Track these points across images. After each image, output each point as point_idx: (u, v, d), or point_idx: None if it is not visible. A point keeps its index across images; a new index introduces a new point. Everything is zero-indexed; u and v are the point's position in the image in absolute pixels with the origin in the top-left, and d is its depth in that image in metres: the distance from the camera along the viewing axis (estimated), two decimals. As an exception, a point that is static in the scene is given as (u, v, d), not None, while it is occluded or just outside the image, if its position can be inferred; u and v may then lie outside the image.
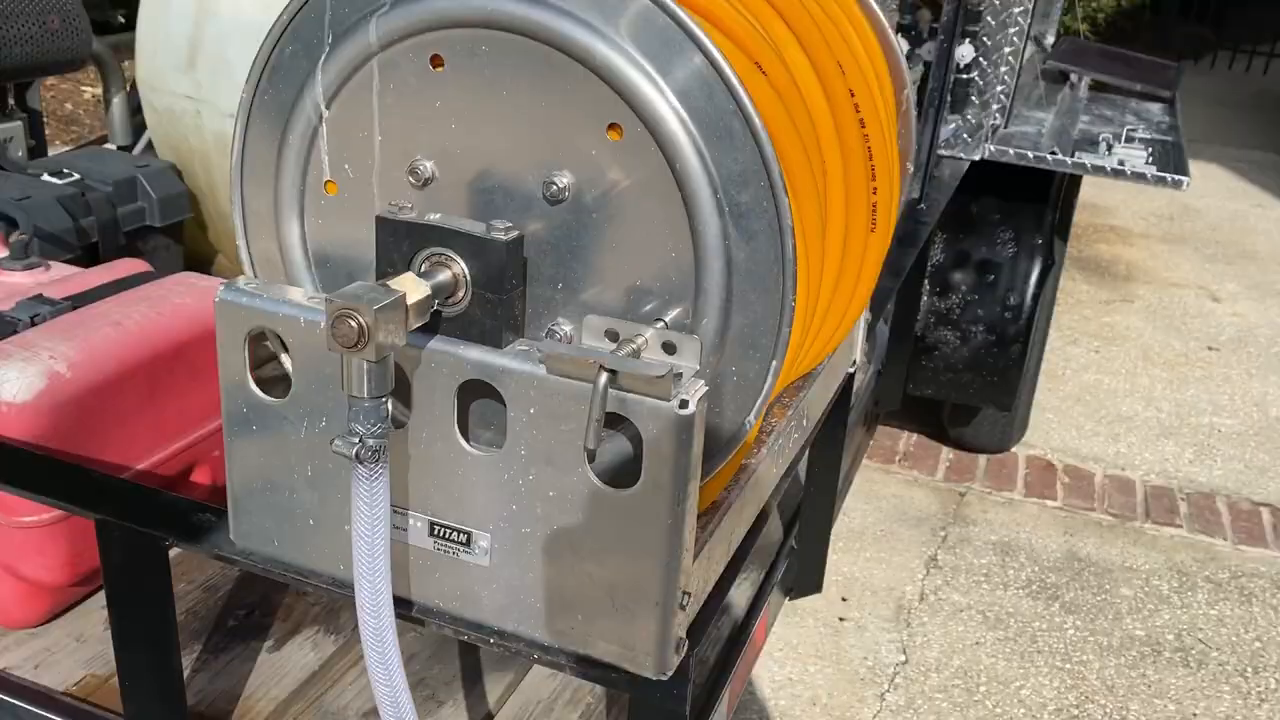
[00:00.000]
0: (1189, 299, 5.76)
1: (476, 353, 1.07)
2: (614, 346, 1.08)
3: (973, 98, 3.27)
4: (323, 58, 1.16)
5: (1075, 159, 3.30)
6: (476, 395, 1.13)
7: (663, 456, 1.02)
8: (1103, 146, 3.44)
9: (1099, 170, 3.25)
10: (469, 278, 1.07)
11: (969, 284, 3.48)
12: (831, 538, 3.64)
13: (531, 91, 1.10)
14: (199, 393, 1.77)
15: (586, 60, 1.06)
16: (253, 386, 1.20)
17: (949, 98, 3.21)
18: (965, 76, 3.23)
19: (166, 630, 1.43)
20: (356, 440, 1.01)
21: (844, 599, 3.37)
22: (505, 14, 1.07)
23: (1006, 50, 3.25)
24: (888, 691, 2.99)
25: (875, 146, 1.36)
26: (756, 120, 1.03)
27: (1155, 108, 4.31)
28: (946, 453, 4.19)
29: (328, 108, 1.18)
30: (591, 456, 1.06)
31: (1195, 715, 2.98)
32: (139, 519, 1.36)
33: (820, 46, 1.29)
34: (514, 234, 1.06)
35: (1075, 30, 9.68)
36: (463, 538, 1.15)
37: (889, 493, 3.94)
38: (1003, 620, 3.31)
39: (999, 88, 3.28)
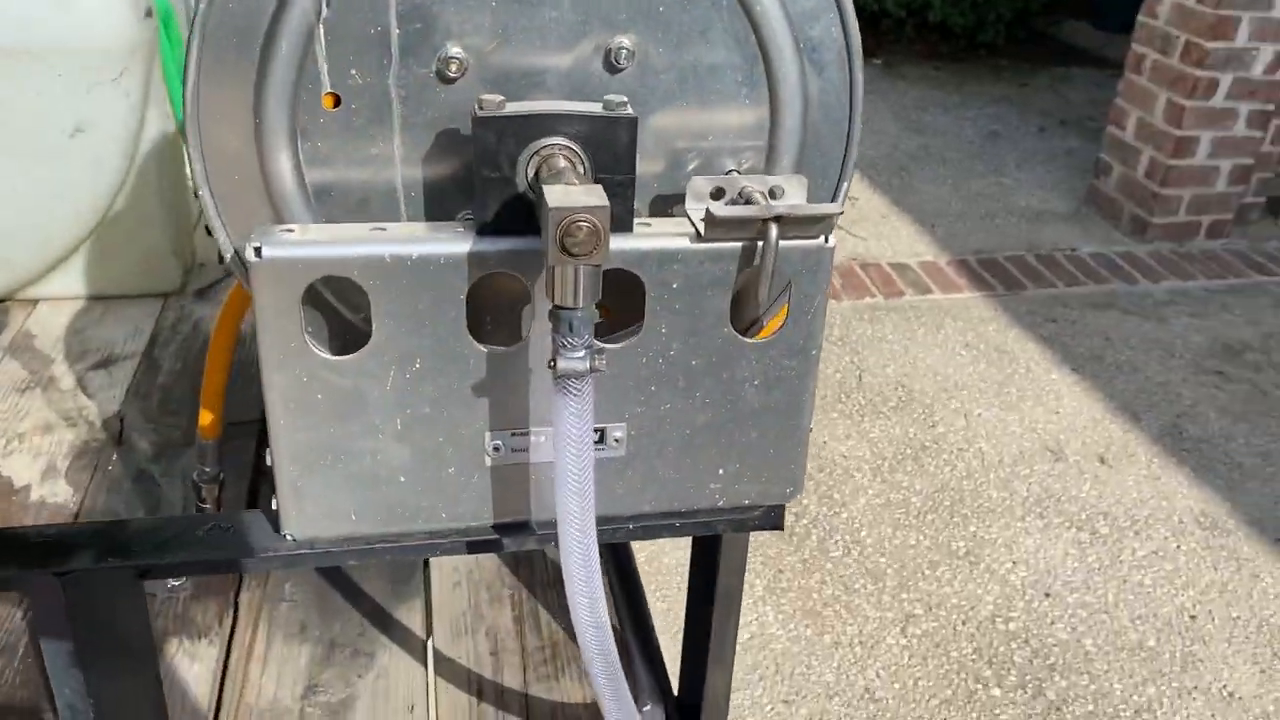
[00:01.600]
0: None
1: (615, 242, 1.02)
2: (724, 199, 1.09)
3: None
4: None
5: None
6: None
7: (809, 292, 1.08)
8: None
9: None
10: (589, 165, 1.00)
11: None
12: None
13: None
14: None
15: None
16: (317, 349, 1.02)
17: None
18: None
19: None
20: (582, 353, 0.93)
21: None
22: None
23: None
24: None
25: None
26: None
27: None
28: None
29: (329, 4, 0.99)
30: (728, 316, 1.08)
31: (825, 442, 3.60)
32: (118, 552, 1.10)
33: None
34: (628, 109, 1.01)
35: None
36: (597, 435, 1.11)
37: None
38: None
39: None
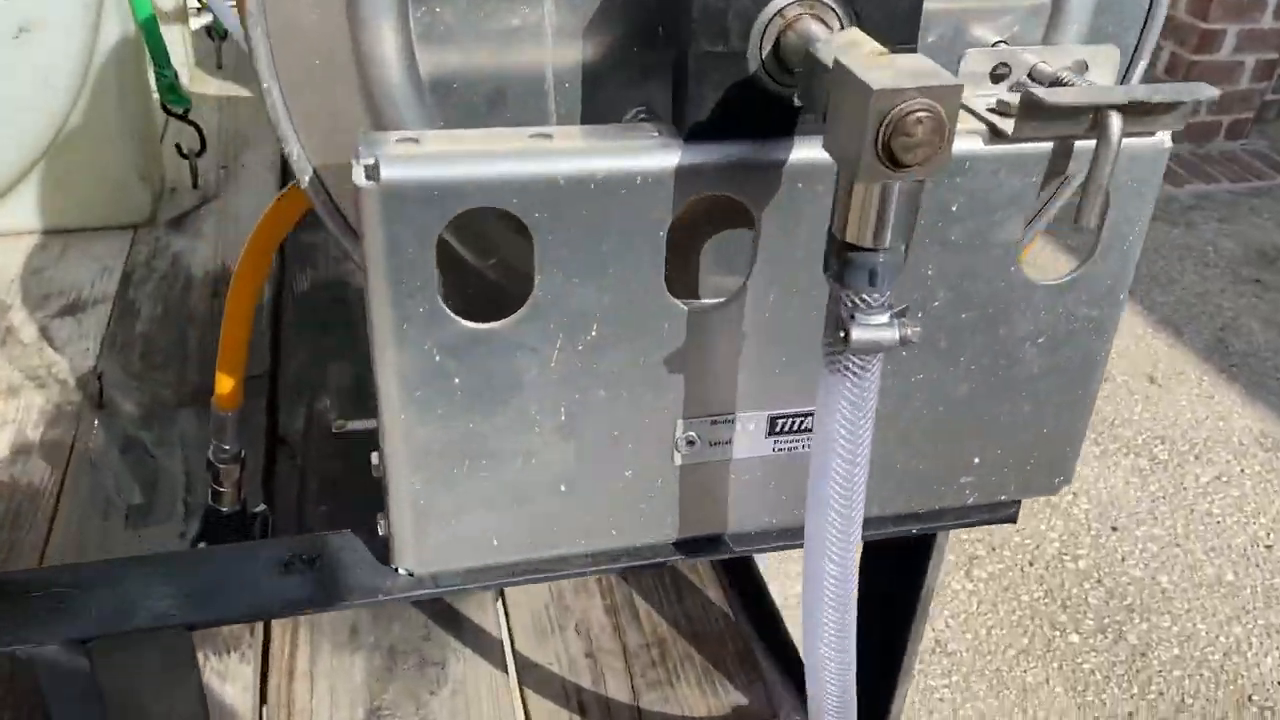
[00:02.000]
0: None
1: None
2: (1006, 83, 0.77)
3: None
4: None
5: None
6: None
7: (1132, 215, 0.77)
8: None
9: None
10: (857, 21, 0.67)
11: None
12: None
13: None
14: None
15: None
16: (454, 317, 0.69)
17: None
18: None
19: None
20: (886, 317, 0.62)
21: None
22: None
23: None
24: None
25: None
26: None
27: None
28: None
29: None
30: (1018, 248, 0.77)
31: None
32: (155, 601, 0.77)
33: None
34: (909, -51, 0.68)
35: None
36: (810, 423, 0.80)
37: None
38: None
39: None
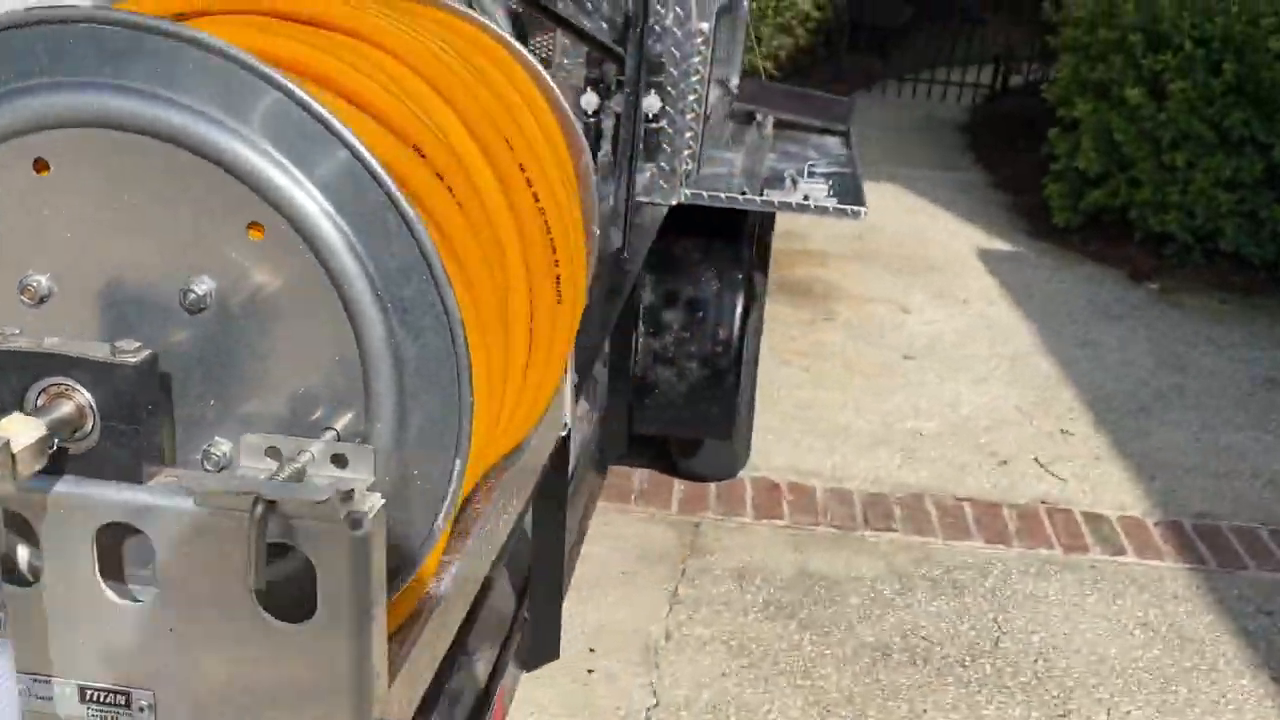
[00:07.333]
0: (882, 311, 6.19)
1: (112, 491, 0.95)
2: (275, 467, 0.99)
3: (664, 145, 3.35)
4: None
5: (764, 197, 3.45)
6: (125, 536, 1.00)
7: (340, 582, 0.93)
8: (788, 182, 3.62)
9: (786, 206, 3.42)
10: (95, 408, 0.94)
11: (680, 322, 3.56)
12: (574, 587, 3.62)
13: (157, 193, 0.99)
14: None
15: (215, 158, 0.96)
16: None
17: (641, 147, 3.29)
18: (655, 125, 3.31)
19: None
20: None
21: (591, 649, 3.35)
22: (114, 112, 0.96)
23: (691, 98, 3.36)
24: (641, 738, 2.98)
25: (553, 220, 1.33)
26: (410, 212, 0.97)
27: (833, 140, 4.60)
28: (679, 486, 4.26)
29: (-92, 225, 1.02)
30: (261, 594, 0.95)
31: (925, 711, 3.16)
32: None
33: (486, 123, 1.24)
34: (144, 354, 0.95)
35: (761, 69, 10.30)
36: (120, 699, 1.01)
37: (628, 533, 3.96)
38: (745, 647, 3.38)
39: (688, 134, 3.38)
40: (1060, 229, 7.45)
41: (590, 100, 3.23)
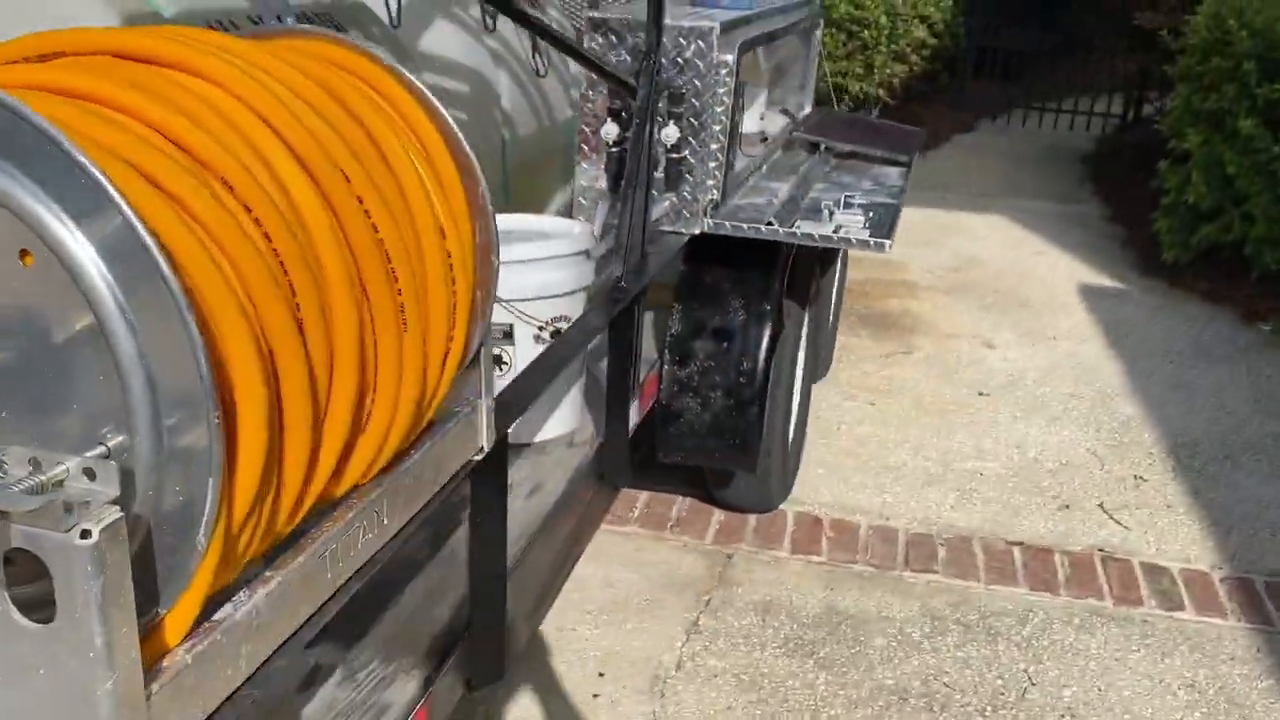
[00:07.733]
0: (964, 347, 6.01)
1: None
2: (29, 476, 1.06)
3: (686, 175, 3.38)
4: None
5: (791, 228, 3.43)
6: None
7: (73, 591, 1.00)
8: (825, 213, 3.59)
9: (809, 238, 3.38)
10: None
11: (705, 352, 3.56)
12: (593, 611, 3.64)
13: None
14: None
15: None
16: None
17: (662, 176, 3.32)
18: (676, 156, 3.34)
19: None
20: None
21: (600, 674, 3.36)
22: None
23: (715, 129, 3.38)
24: (629, 768, 2.98)
25: (395, 250, 1.38)
26: (162, 260, 1.03)
27: (894, 171, 4.52)
28: (718, 515, 4.24)
29: None
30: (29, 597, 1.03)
31: (929, 761, 3.05)
32: None
33: (316, 155, 1.30)
34: None
35: (875, 97, 10.18)
36: None
37: (658, 559, 3.97)
38: (756, 682, 3.34)
39: (711, 164, 3.40)
40: (1170, 265, 7.11)
41: (610, 130, 3.29)
